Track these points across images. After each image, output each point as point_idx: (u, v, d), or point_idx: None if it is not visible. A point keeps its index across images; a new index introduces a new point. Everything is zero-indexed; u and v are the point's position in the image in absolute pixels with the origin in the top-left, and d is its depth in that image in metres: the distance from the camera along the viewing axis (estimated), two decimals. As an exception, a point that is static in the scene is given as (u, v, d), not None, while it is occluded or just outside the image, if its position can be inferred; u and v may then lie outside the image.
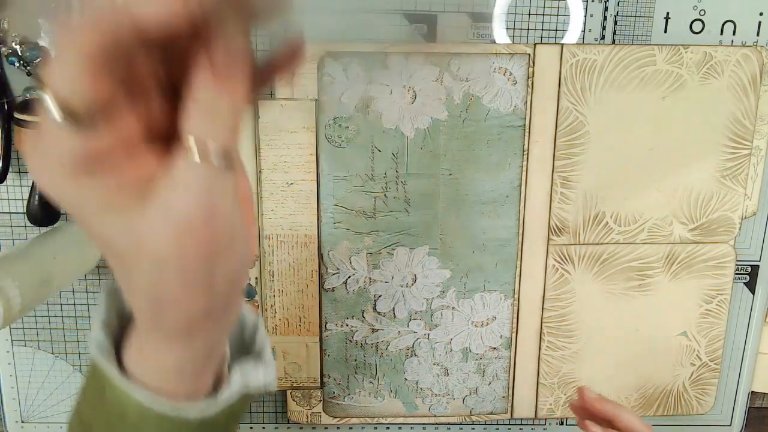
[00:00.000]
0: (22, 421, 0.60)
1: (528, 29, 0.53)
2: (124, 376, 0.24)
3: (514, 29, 0.53)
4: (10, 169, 0.53)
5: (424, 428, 0.62)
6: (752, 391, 0.63)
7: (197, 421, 0.24)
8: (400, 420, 0.61)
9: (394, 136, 0.53)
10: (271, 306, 0.56)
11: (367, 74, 0.52)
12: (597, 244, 0.57)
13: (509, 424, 0.62)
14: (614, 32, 0.53)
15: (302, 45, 0.22)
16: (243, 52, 0.20)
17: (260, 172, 0.53)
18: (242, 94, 0.20)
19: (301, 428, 0.61)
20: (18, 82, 0.51)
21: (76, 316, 0.57)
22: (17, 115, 0.49)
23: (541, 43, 0.52)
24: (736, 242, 0.57)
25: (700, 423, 0.63)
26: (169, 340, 0.23)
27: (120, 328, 0.26)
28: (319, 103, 0.52)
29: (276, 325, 0.57)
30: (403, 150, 0.54)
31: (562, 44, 0.52)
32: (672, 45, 0.52)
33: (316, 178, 0.54)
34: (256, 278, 0.56)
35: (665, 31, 0.53)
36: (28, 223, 0.53)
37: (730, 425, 0.64)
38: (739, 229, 0.57)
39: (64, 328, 0.58)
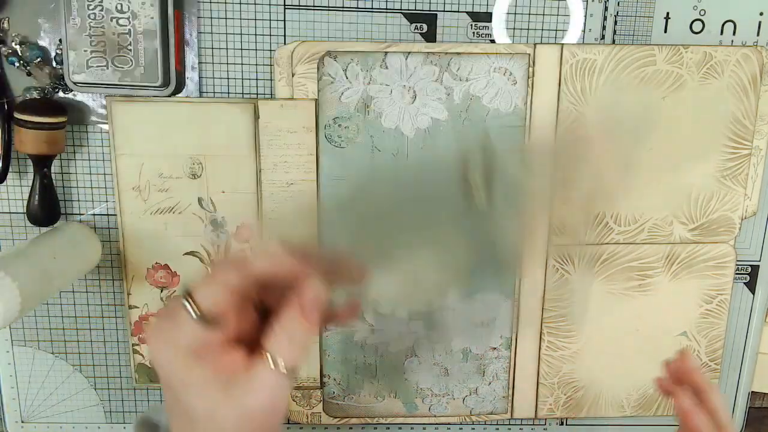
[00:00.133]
0: (22, 421, 0.60)
1: (528, 29, 0.53)
2: None
3: (514, 29, 0.53)
4: (10, 169, 0.53)
5: (424, 428, 0.62)
6: (752, 391, 0.63)
7: None
8: (400, 420, 0.61)
9: (394, 136, 0.53)
10: (271, 306, 0.56)
11: (366, 74, 0.52)
12: (597, 244, 0.57)
13: (509, 424, 0.62)
14: (614, 32, 0.53)
15: (360, 308, 0.33)
16: (323, 300, 0.30)
17: (260, 172, 0.53)
18: (314, 329, 0.30)
19: (301, 428, 0.61)
20: (18, 82, 0.51)
21: (76, 316, 0.57)
22: (17, 115, 0.49)
23: (541, 43, 0.52)
24: (736, 242, 0.57)
25: (700, 423, 0.63)
26: None
27: None
28: (319, 103, 0.52)
29: (276, 325, 0.57)
30: (403, 150, 0.54)
31: (562, 44, 0.52)
32: (672, 45, 0.52)
33: (316, 178, 0.54)
34: (256, 278, 0.56)
35: (665, 31, 0.53)
36: (28, 223, 0.53)
37: (730, 425, 0.64)
38: (739, 229, 0.57)
39: (64, 328, 0.58)
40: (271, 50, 0.52)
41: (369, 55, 0.51)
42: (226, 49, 0.52)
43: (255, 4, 0.51)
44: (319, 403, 0.59)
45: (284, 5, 0.51)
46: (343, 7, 0.51)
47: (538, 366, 0.60)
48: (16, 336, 0.58)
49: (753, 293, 0.60)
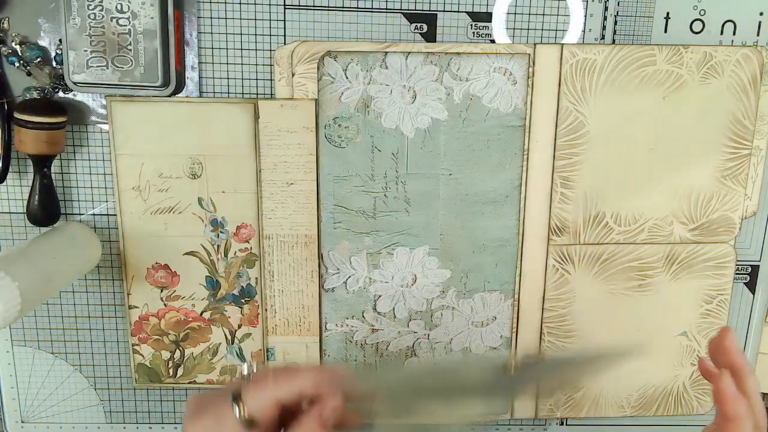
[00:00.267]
0: (22, 421, 0.60)
1: (528, 29, 0.53)
2: None
3: (514, 29, 0.53)
4: (10, 169, 0.53)
5: (424, 428, 0.62)
6: (752, 391, 0.63)
7: None
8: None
9: (394, 136, 0.53)
10: (271, 306, 0.56)
11: (366, 74, 0.52)
12: (597, 244, 0.57)
13: (509, 424, 0.62)
14: (614, 32, 0.53)
15: (359, 426, 0.37)
16: (337, 416, 0.35)
17: (260, 172, 0.53)
18: None
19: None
20: (18, 82, 0.51)
21: (76, 316, 0.57)
22: (17, 115, 0.49)
23: (541, 43, 0.52)
24: (736, 242, 0.57)
25: (700, 423, 0.63)
26: None
27: None
28: (319, 103, 0.52)
29: (276, 325, 0.57)
30: (403, 150, 0.54)
31: (562, 44, 0.52)
32: (672, 45, 0.52)
33: (316, 178, 0.54)
34: (256, 278, 0.56)
35: (665, 31, 0.53)
36: (28, 223, 0.53)
37: (730, 425, 0.63)
38: (740, 229, 0.57)
39: (64, 328, 0.58)
40: (271, 50, 0.52)
41: (369, 55, 0.52)
42: (226, 49, 0.52)
43: (255, 4, 0.51)
44: (319, 403, 0.59)
45: (284, 5, 0.51)
46: (343, 7, 0.51)
47: (538, 366, 0.60)
48: (16, 336, 0.58)
49: (753, 293, 0.60)
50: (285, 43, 0.52)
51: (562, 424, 0.63)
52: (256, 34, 0.52)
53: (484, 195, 0.55)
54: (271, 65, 0.52)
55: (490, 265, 0.57)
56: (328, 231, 0.55)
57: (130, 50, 0.48)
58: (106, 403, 0.60)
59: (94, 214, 0.55)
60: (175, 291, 0.56)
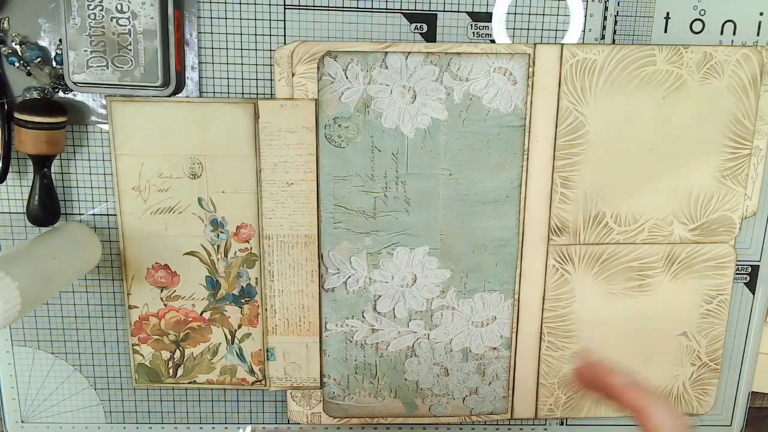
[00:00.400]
0: (22, 421, 0.60)
1: (528, 29, 0.53)
2: None
3: (514, 29, 0.53)
4: (10, 169, 0.53)
5: (424, 428, 0.62)
6: (752, 391, 0.63)
7: None
8: (400, 420, 0.61)
9: (394, 136, 0.53)
10: (271, 306, 0.56)
11: (366, 74, 0.52)
12: (597, 244, 0.57)
13: (509, 424, 0.62)
14: (614, 32, 0.53)
15: None
16: None
17: (260, 172, 0.53)
18: None
19: (301, 428, 0.61)
20: (18, 82, 0.51)
21: (76, 316, 0.57)
22: (17, 115, 0.49)
23: (541, 43, 0.52)
24: (736, 242, 0.57)
25: (700, 423, 0.63)
26: None
27: None
28: (319, 103, 0.52)
29: (276, 325, 0.57)
30: (403, 150, 0.54)
31: (562, 44, 0.52)
32: (672, 45, 0.52)
33: (316, 178, 0.54)
34: (256, 278, 0.56)
35: (665, 31, 0.53)
36: (28, 223, 0.53)
37: (730, 425, 0.64)
38: (740, 229, 0.57)
39: (64, 328, 0.58)
40: (271, 50, 0.52)
41: (369, 55, 0.52)
42: (226, 49, 0.52)
43: (255, 4, 0.51)
44: (319, 403, 0.59)
45: (284, 5, 0.51)
46: (343, 7, 0.51)
47: (538, 366, 0.60)
48: (16, 336, 0.58)
49: (753, 293, 0.60)
50: (285, 43, 0.52)
51: (562, 424, 0.63)
52: (256, 34, 0.52)
53: (484, 195, 0.55)
54: (271, 65, 0.52)
55: (490, 265, 0.57)
56: (328, 231, 0.55)
57: (130, 50, 0.48)
58: (106, 403, 0.60)
59: (94, 214, 0.55)
60: (175, 291, 0.56)
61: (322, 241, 0.55)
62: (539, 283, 0.57)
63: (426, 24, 0.52)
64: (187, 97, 0.52)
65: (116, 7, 0.47)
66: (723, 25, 0.53)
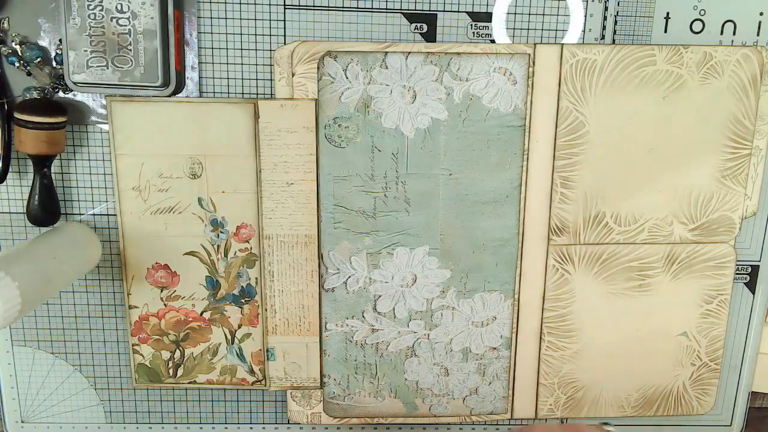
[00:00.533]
0: (22, 421, 0.60)
1: (528, 29, 0.53)
2: None
3: (514, 29, 0.53)
4: (10, 169, 0.53)
5: (424, 428, 0.62)
6: (752, 391, 0.63)
7: None
8: (400, 420, 0.61)
9: (394, 136, 0.53)
10: (271, 306, 0.56)
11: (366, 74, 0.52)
12: (597, 244, 0.57)
13: (509, 424, 0.62)
14: (614, 32, 0.53)
15: None
16: None
17: (260, 172, 0.53)
18: None
19: (301, 428, 0.61)
20: (18, 82, 0.51)
21: (76, 316, 0.57)
22: (17, 115, 0.49)
23: (541, 43, 0.52)
24: (736, 242, 0.57)
25: (700, 423, 0.63)
26: None
27: None
28: (319, 103, 0.52)
29: (276, 325, 0.57)
30: (403, 150, 0.54)
31: (562, 44, 0.52)
32: (672, 45, 0.52)
33: (316, 178, 0.54)
34: (256, 278, 0.56)
35: (665, 31, 0.53)
36: (28, 223, 0.53)
37: (730, 425, 0.64)
38: (740, 229, 0.57)
39: (64, 328, 0.58)
40: (271, 50, 0.52)
41: (369, 55, 0.52)
42: (226, 49, 0.52)
43: (255, 4, 0.51)
44: (319, 403, 0.59)
45: (284, 5, 0.51)
46: (343, 7, 0.51)
47: (538, 366, 0.60)
48: (16, 336, 0.58)
49: (753, 293, 0.60)
50: (285, 43, 0.52)
51: (562, 423, 0.63)
52: (256, 34, 0.52)
53: (484, 195, 0.55)
54: (271, 65, 0.52)
55: (490, 265, 0.57)
56: (328, 231, 0.55)
57: (130, 50, 0.48)
58: (106, 403, 0.60)
59: (94, 214, 0.55)
60: (175, 291, 0.56)
61: (322, 241, 0.55)
62: (539, 283, 0.57)
63: (426, 24, 0.52)
64: (187, 97, 0.52)
65: (116, 7, 0.47)
66: (723, 25, 0.53)
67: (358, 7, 0.52)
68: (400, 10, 0.52)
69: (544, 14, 0.52)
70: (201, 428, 0.61)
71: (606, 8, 0.53)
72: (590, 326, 0.59)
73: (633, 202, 0.56)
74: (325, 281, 0.56)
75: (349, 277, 0.56)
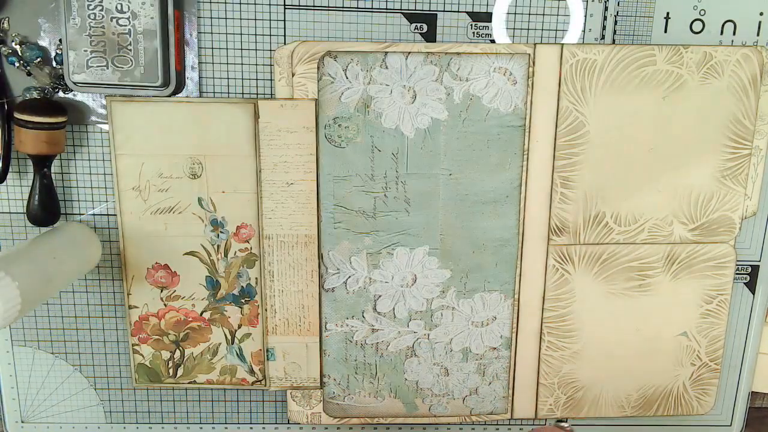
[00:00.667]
0: (22, 421, 0.60)
1: (528, 29, 0.53)
2: None
3: (514, 29, 0.53)
4: (10, 169, 0.53)
5: (424, 428, 0.62)
6: (752, 391, 0.63)
7: None
8: (400, 420, 0.61)
9: (394, 136, 0.53)
10: (271, 306, 0.56)
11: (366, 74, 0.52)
12: (597, 244, 0.57)
13: (509, 425, 0.62)
14: (614, 32, 0.53)
15: None
16: None
17: (260, 172, 0.53)
18: None
19: (301, 428, 0.61)
20: (18, 82, 0.51)
21: (76, 316, 0.57)
22: (17, 115, 0.49)
23: (541, 43, 0.52)
24: (737, 242, 0.57)
25: (700, 423, 0.63)
26: None
27: None
28: (319, 103, 0.52)
29: (276, 325, 0.57)
30: (403, 150, 0.54)
31: (562, 44, 0.52)
32: (672, 45, 0.52)
33: (316, 178, 0.54)
34: (256, 278, 0.56)
35: (665, 31, 0.53)
36: (28, 223, 0.53)
37: (730, 425, 0.64)
38: (740, 229, 0.57)
39: (64, 328, 0.58)
40: (271, 50, 0.52)
41: (369, 55, 0.52)
42: (226, 49, 0.52)
43: (255, 4, 0.51)
44: (319, 403, 0.59)
45: (284, 5, 0.51)
46: (343, 7, 0.51)
47: (538, 366, 0.60)
48: (16, 336, 0.58)
49: (753, 293, 0.60)
50: (285, 43, 0.52)
51: (565, 420, 0.63)
52: (256, 34, 0.52)
53: (484, 195, 0.55)
54: (271, 65, 0.52)
55: (490, 265, 0.57)
56: (328, 231, 0.55)
57: (130, 50, 0.48)
58: (106, 403, 0.60)
59: (94, 214, 0.55)
60: (175, 291, 0.56)
61: (322, 241, 0.55)
62: (539, 283, 0.57)
63: (426, 24, 0.52)
64: (187, 97, 0.52)
65: (116, 7, 0.47)
66: (723, 25, 0.53)
67: (358, 7, 0.52)
68: (400, 10, 0.52)
69: (544, 14, 0.52)
70: (201, 428, 0.61)
71: (606, 8, 0.53)
72: (590, 326, 0.59)
73: (633, 202, 0.56)
74: (325, 281, 0.56)
75: (349, 277, 0.56)
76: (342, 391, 0.59)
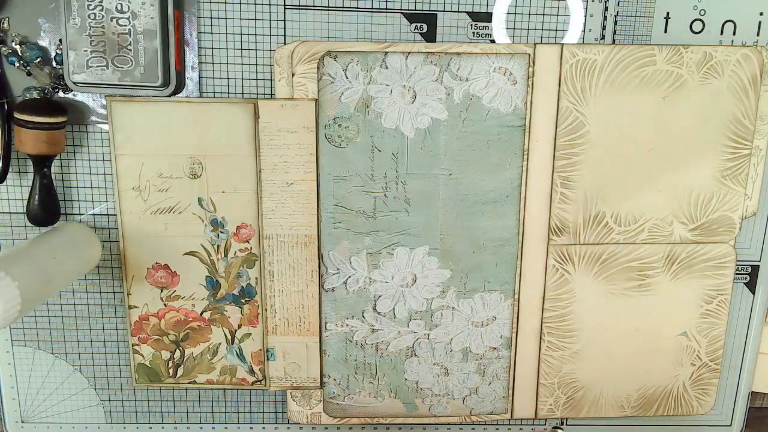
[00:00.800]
0: (22, 421, 0.60)
1: (528, 29, 0.53)
2: None
3: (514, 29, 0.53)
4: (10, 169, 0.53)
5: (424, 428, 0.62)
6: (752, 391, 0.63)
7: None
8: (400, 420, 0.61)
9: (394, 136, 0.53)
10: (271, 306, 0.56)
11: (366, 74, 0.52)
12: (597, 244, 0.57)
13: (509, 424, 0.62)
14: (614, 32, 0.53)
15: None
16: None
17: (260, 172, 0.53)
18: None
19: (301, 428, 0.61)
20: (18, 82, 0.51)
21: (76, 316, 0.57)
22: (17, 115, 0.49)
23: (541, 43, 0.52)
24: (736, 242, 0.57)
25: (700, 423, 0.63)
26: None
27: None
28: (319, 103, 0.52)
29: (276, 325, 0.57)
30: (403, 150, 0.54)
31: (562, 44, 0.52)
32: (672, 45, 0.52)
33: (316, 178, 0.54)
34: (256, 278, 0.56)
35: (665, 31, 0.53)
36: (28, 223, 0.53)
37: (730, 425, 0.64)
38: (740, 229, 0.57)
39: (64, 328, 0.58)
40: (271, 50, 0.52)
41: (369, 55, 0.52)
42: (226, 49, 0.52)
43: (255, 4, 0.51)
44: (319, 403, 0.59)
45: (284, 5, 0.51)
46: (343, 7, 0.51)
47: (538, 366, 0.60)
48: (16, 336, 0.58)
49: (753, 293, 0.60)
50: (285, 43, 0.52)
51: (562, 423, 0.63)
52: (256, 34, 0.52)
53: (484, 195, 0.55)
54: (271, 65, 0.52)
55: (490, 265, 0.57)
56: (328, 231, 0.55)
57: (130, 50, 0.48)
58: (106, 403, 0.60)
59: (94, 214, 0.55)
60: (175, 291, 0.56)
61: (322, 241, 0.55)
62: (539, 283, 0.57)
63: (426, 24, 0.52)
64: (187, 97, 0.52)
65: (116, 7, 0.47)
66: (723, 25, 0.53)
67: (358, 7, 0.52)
68: (400, 10, 0.52)
69: (544, 14, 0.52)
70: (201, 428, 0.61)
71: (606, 8, 0.53)
72: (590, 326, 0.59)
73: (633, 202, 0.56)
74: (325, 281, 0.56)
75: (349, 277, 0.56)
76: (342, 391, 0.59)
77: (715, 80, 0.53)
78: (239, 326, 0.57)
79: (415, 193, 0.55)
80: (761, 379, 0.62)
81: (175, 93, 0.51)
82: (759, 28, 0.54)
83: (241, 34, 0.52)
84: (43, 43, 0.50)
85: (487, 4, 0.52)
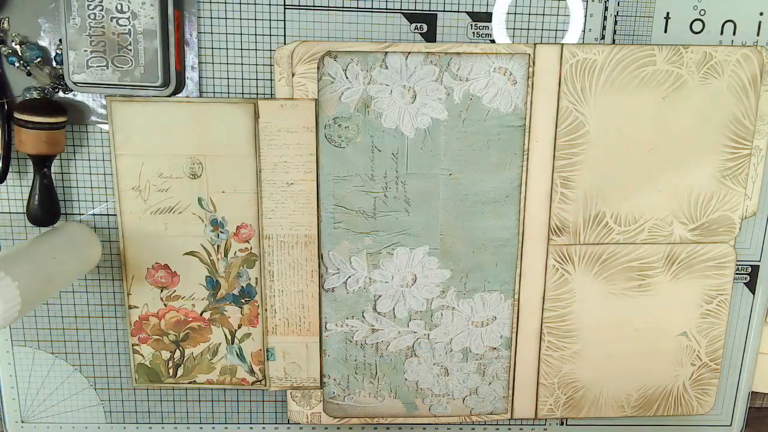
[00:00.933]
0: (22, 421, 0.60)
1: (528, 29, 0.53)
2: None
3: (514, 29, 0.53)
4: (10, 169, 0.53)
5: (424, 428, 0.62)
6: (752, 391, 0.63)
7: None
8: (400, 420, 0.61)
9: (394, 136, 0.53)
10: (271, 306, 0.56)
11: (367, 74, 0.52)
12: (597, 244, 0.57)
13: (509, 424, 0.62)
14: (614, 32, 0.53)
15: None
16: None
17: (260, 172, 0.53)
18: None
19: (301, 428, 0.61)
20: (18, 82, 0.51)
21: (76, 316, 0.57)
22: (17, 115, 0.49)
23: (541, 43, 0.52)
24: (736, 242, 0.57)
25: (700, 423, 0.63)
26: None
27: None
28: (319, 103, 0.52)
29: (276, 325, 0.57)
30: (403, 150, 0.54)
31: (562, 44, 0.52)
32: (672, 45, 0.52)
33: (316, 178, 0.54)
34: (256, 278, 0.56)
35: (665, 31, 0.53)
36: (28, 223, 0.53)
37: (730, 425, 0.64)
38: (740, 229, 0.57)
39: (64, 328, 0.58)
40: (271, 50, 0.52)
41: (369, 55, 0.52)
42: (226, 49, 0.52)
43: (255, 4, 0.51)
44: (319, 403, 0.59)
45: (284, 5, 0.51)
46: (343, 7, 0.51)
47: (538, 366, 0.60)
48: (16, 336, 0.58)
49: (753, 293, 0.60)
50: (285, 43, 0.52)
51: (562, 424, 0.63)
52: (256, 34, 0.52)
53: (484, 195, 0.55)
54: (271, 65, 0.52)
55: (490, 265, 0.57)
56: (328, 231, 0.55)
57: (130, 50, 0.48)
58: (106, 403, 0.60)
59: (94, 214, 0.55)
60: (175, 291, 0.56)
61: (322, 241, 0.55)
62: (539, 283, 0.57)
63: (426, 24, 0.52)
64: (187, 97, 0.52)
65: (116, 7, 0.47)
66: (723, 25, 0.53)
67: (358, 7, 0.52)
68: (400, 10, 0.52)
69: (544, 14, 0.52)
70: (201, 428, 0.61)
71: (606, 8, 0.53)
72: (590, 326, 0.59)
73: (633, 202, 0.56)
74: (325, 281, 0.56)
75: (349, 277, 0.56)
76: (342, 391, 0.59)
77: (715, 80, 0.53)
78: (239, 326, 0.57)
79: (415, 193, 0.55)
80: (761, 379, 0.62)
81: (175, 93, 0.51)
82: (759, 28, 0.54)
83: (241, 34, 0.52)
84: (43, 43, 0.50)
85: (487, 4, 0.52)
